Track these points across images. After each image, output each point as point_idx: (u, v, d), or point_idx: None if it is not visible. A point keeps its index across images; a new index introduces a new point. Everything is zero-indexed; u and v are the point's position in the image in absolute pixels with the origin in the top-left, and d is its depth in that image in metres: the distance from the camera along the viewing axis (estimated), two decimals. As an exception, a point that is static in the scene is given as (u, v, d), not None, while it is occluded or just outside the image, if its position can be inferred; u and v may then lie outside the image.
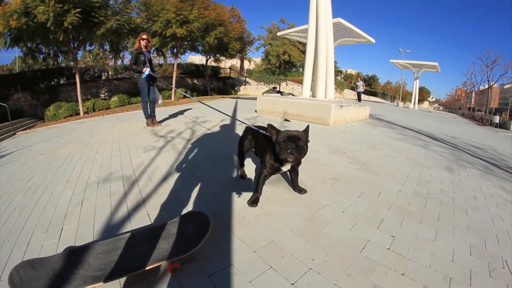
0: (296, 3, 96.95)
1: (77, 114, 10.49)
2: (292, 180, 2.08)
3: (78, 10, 8.09)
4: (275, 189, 2.15)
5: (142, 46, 4.70)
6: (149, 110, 5.11)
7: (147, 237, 1.42)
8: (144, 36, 4.75)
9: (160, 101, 5.18)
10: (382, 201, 2.01)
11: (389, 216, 1.78)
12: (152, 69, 4.86)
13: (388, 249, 1.42)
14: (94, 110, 11.19)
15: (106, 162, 3.06)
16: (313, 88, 6.47)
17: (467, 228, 1.72)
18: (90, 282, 1.11)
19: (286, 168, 1.81)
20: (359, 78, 17.10)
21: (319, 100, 5.86)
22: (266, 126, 1.87)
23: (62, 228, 1.70)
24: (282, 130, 1.74)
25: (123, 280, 1.21)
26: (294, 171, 1.99)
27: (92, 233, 1.61)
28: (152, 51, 5.11)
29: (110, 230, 1.64)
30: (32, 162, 3.56)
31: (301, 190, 2.08)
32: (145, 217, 1.75)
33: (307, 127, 1.80)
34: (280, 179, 2.33)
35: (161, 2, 11.49)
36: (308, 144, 1.73)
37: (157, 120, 5.33)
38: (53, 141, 5.02)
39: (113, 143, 4.03)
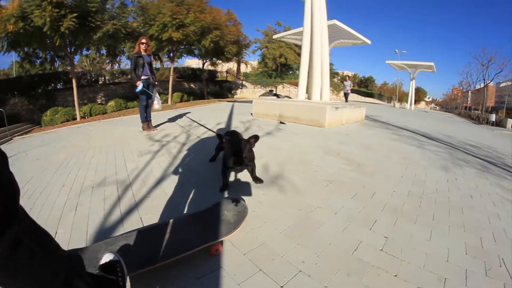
0: (292, 6, 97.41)
1: (74, 119, 10.49)
2: (249, 173, 2.32)
3: (75, 15, 8.14)
4: (266, 192, 2.14)
5: (141, 50, 4.71)
6: (145, 114, 5.09)
7: (189, 222, 1.50)
8: (144, 40, 4.76)
9: (158, 106, 5.10)
10: (376, 202, 2.00)
11: (382, 217, 1.77)
12: (152, 72, 4.87)
13: (381, 250, 1.40)
14: (91, 115, 11.18)
15: (101, 167, 3.05)
16: (308, 90, 6.48)
17: (462, 227, 1.70)
18: (137, 268, 1.15)
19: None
20: (347, 78, 16.59)
21: (314, 102, 5.87)
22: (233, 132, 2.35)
23: (56, 232, 1.68)
24: (245, 138, 2.13)
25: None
26: (247, 168, 2.24)
27: (85, 237, 1.60)
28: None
29: (103, 234, 1.62)
30: (28, 167, 3.56)
31: (257, 179, 2.28)
32: (138, 221, 1.74)
33: (256, 137, 2.07)
34: (273, 182, 2.32)
35: (157, 6, 11.55)
36: (253, 149, 2.10)
37: (153, 125, 5.31)
38: (50, 146, 5.02)
39: (108, 147, 4.03)
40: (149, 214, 1.81)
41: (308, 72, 6.34)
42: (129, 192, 2.25)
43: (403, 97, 38.77)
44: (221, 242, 1.40)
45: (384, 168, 2.87)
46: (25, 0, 7.92)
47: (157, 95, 5.08)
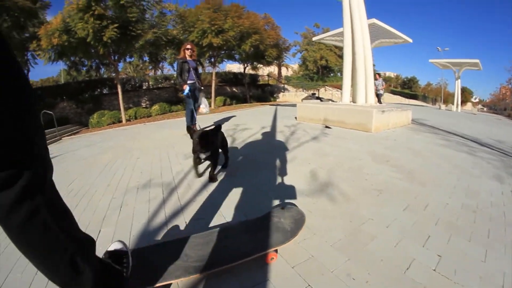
0: (328, 7, 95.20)
1: (120, 121, 11.09)
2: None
3: (116, 25, 8.66)
4: (316, 200, 2.08)
5: (186, 56, 4.85)
6: (191, 118, 5.13)
7: (241, 230, 1.52)
8: (188, 46, 4.90)
9: (205, 110, 5.08)
10: (428, 215, 1.88)
11: (436, 232, 1.66)
12: (198, 77, 4.98)
13: (434, 270, 1.31)
14: (136, 118, 11.71)
15: (147, 168, 3.18)
16: (352, 93, 6.30)
17: (519, 248, 1.54)
18: (192, 272, 1.18)
19: (202, 157, 2.38)
20: (377, 76, 14.28)
21: (360, 105, 5.67)
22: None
23: (100, 231, 1.77)
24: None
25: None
26: (209, 160, 2.49)
27: (129, 237, 1.67)
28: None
29: (147, 235, 1.68)
30: (75, 166, 3.78)
31: (212, 178, 2.54)
32: (182, 225, 1.79)
33: (218, 126, 2.51)
34: (322, 190, 2.27)
35: (195, 13, 11.98)
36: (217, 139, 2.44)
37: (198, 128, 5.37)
38: (96, 147, 5.33)
39: (154, 149, 4.19)
40: (195, 219, 1.86)
41: (352, 74, 6.16)
42: (175, 195, 2.32)
43: (448, 98, 36.31)
44: (276, 251, 1.39)
45: (435, 177, 2.70)
46: (68, 15, 8.60)
47: (204, 99, 5.12)
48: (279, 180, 2.57)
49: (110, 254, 1.12)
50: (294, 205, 1.66)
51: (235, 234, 1.47)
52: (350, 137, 4.50)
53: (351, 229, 1.67)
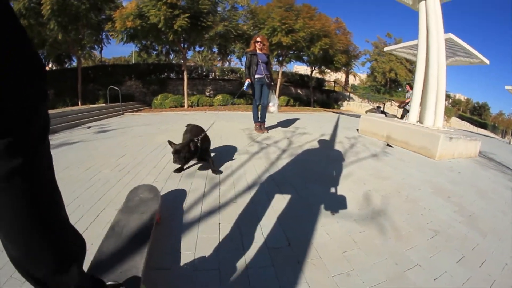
0: (403, 16, 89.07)
1: (182, 106, 11.71)
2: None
3: (187, 15, 9.11)
4: (365, 229, 1.89)
5: (256, 48, 4.68)
6: (259, 114, 5.05)
7: None
8: (259, 39, 4.70)
9: (273, 108, 4.82)
10: (484, 274, 1.57)
11: None
12: (269, 72, 4.75)
13: None
14: (198, 105, 12.19)
15: (196, 157, 3.25)
16: (420, 113, 5.77)
17: None
18: None
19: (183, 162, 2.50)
20: (408, 87, 11.87)
21: (427, 127, 5.16)
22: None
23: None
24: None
25: None
26: (202, 161, 2.79)
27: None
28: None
29: (175, 233, 1.66)
30: (129, 142, 4.02)
31: (215, 170, 2.71)
32: (215, 226, 1.74)
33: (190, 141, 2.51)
34: (374, 218, 2.07)
35: (266, 10, 12.16)
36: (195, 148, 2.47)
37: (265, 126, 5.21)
38: (154, 127, 5.66)
39: (208, 139, 4.25)
40: (230, 222, 1.80)
41: (422, 92, 5.66)
42: (216, 191, 2.31)
43: (520, 132, 31.59)
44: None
45: (497, 227, 2.28)
46: (142, 1, 9.29)
47: (274, 97, 4.87)
48: (329, 196, 2.42)
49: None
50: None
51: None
52: (412, 161, 4.11)
53: (395, 274, 1.48)
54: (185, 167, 2.82)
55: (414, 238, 1.86)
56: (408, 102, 10.83)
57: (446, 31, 5.90)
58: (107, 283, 1.00)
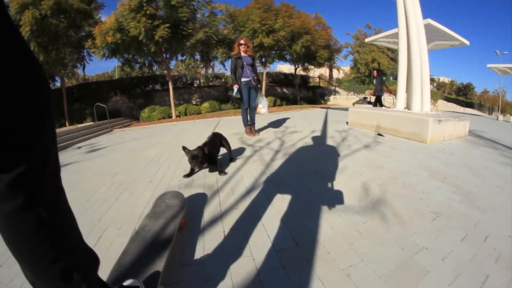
0: (381, 6, 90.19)
1: (170, 117, 11.64)
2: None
3: (167, 25, 9.07)
4: (367, 220, 1.91)
5: (241, 51, 4.64)
6: (248, 117, 5.02)
7: None
8: (242, 41, 4.66)
9: (263, 110, 4.80)
10: (488, 249, 1.61)
11: (495, 271, 1.41)
12: (255, 74, 4.74)
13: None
14: (185, 114, 12.12)
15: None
16: (407, 99, 5.87)
17: None
18: None
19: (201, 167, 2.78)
20: (375, 72, 11.80)
21: (415, 113, 5.25)
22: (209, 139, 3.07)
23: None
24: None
25: None
26: (211, 165, 2.92)
27: None
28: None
29: (181, 244, 1.64)
30: (121, 159, 3.97)
31: (220, 172, 2.89)
32: (220, 235, 1.73)
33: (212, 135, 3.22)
34: (374, 207, 2.09)
35: (245, 13, 12.25)
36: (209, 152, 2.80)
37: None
38: (144, 141, 5.57)
39: (200, 148, 4.23)
40: (234, 229, 1.79)
41: (407, 79, 5.75)
42: (216, 199, 2.30)
43: (506, 108, 32.44)
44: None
45: (496, 202, 2.33)
46: (121, 14, 9.21)
47: (263, 98, 4.84)
48: (328, 192, 2.43)
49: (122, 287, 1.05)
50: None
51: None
52: (404, 147, 4.17)
53: (403, 259, 1.49)
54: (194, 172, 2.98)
55: (417, 223, 1.89)
56: (374, 93, 11.24)
57: (424, 17, 6.03)
58: (124, 284, 1.04)
